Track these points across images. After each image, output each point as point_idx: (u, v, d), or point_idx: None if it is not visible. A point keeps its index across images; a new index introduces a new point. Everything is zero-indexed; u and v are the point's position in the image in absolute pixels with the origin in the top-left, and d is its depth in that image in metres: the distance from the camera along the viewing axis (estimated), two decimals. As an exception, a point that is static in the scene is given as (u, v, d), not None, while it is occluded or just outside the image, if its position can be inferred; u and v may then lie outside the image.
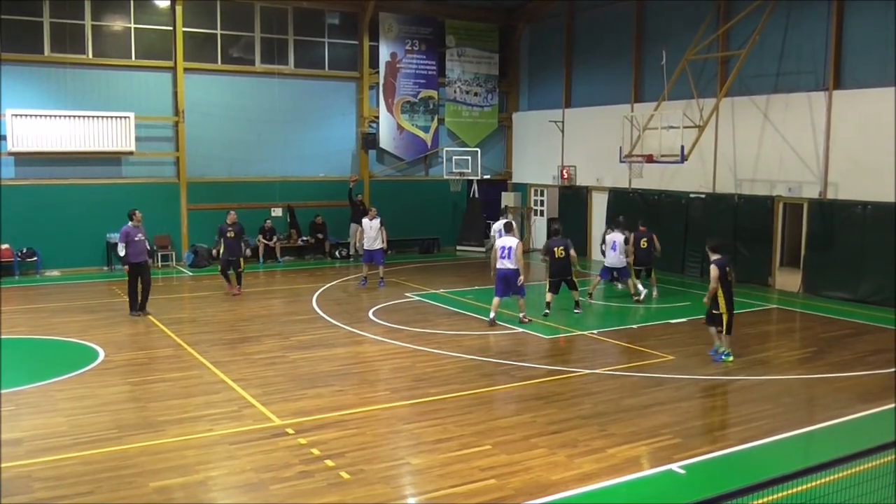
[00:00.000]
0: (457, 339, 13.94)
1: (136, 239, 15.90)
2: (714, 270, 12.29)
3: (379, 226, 19.46)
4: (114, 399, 10.61)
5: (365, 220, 19.68)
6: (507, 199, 27.60)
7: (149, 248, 16.85)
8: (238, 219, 18.64)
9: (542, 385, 11.28)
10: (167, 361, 12.56)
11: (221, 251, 18.38)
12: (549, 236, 17.84)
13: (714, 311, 12.45)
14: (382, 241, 19.56)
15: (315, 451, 8.59)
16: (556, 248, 15.97)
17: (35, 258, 21.14)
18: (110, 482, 7.83)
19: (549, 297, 16.02)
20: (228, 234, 18.20)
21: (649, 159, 19.39)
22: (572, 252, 16.07)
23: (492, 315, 15.06)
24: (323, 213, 24.87)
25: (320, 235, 24.75)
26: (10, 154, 20.87)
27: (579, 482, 7.84)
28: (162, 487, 7.69)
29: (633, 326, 15.24)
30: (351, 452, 8.59)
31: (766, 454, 8.74)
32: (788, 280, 19.33)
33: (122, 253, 16.17)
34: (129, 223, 16.03)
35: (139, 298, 15.98)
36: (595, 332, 14.84)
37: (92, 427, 9.44)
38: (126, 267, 16.16)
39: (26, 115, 20.78)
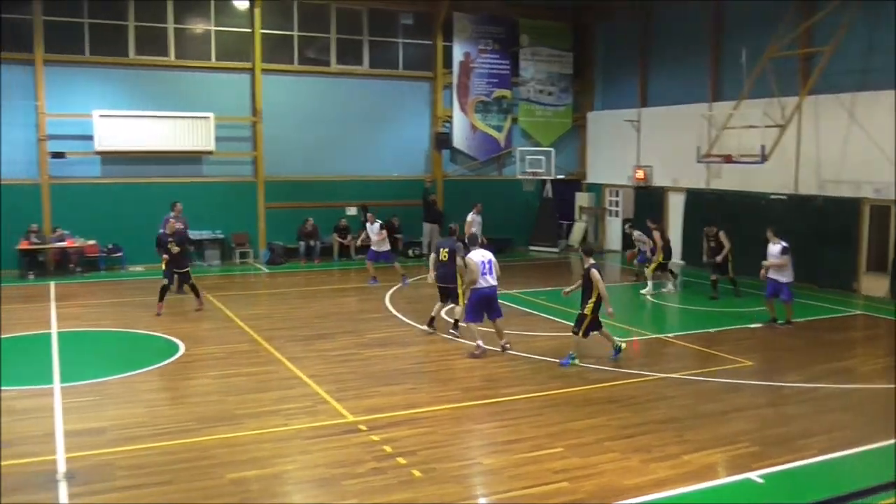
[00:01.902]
0: (528, 340, 13.86)
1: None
2: (596, 273, 12.13)
3: (379, 229, 19.60)
4: (193, 392, 10.88)
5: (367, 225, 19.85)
6: (582, 199, 27.34)
7: (190, 237, 18.39)
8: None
9: (616, 388, 11.13)
10: (244, 356, 12.82)
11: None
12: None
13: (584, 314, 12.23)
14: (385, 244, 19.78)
15: (387, 449, 8.65)
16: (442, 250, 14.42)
17: (120, 254, 21.85)
18: (188, 472, 8.03)
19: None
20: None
21: (728, 159, 18.96)
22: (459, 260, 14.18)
23: (481, 342, 12.80)
24: (396, 212, 25.06)
25: (396, 235, 24.89)
26: (97, 153, 21.61)
27: (653, 488, 7.71)
28: (238, 479, 7.85)
29: (710, 330, 14.90)
30: (423, 451, 8.62)
31: (849, 466, 8.43)
32: (875, 285, 18.62)
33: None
34: (171, 213, 17.51)
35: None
36: (670, 335, 14.58)
37: (172, 418, 9.70)
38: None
39: (112, 116, 21.48)
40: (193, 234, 22.29)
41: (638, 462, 8.35)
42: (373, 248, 19.75)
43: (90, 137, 21.34)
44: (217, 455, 8.49)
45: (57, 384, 11.06)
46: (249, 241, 23.56)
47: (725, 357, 12.76)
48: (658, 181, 24.64)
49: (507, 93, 26.78)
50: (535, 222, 27.22)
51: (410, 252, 24.69)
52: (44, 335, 14.13)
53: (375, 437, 8.99)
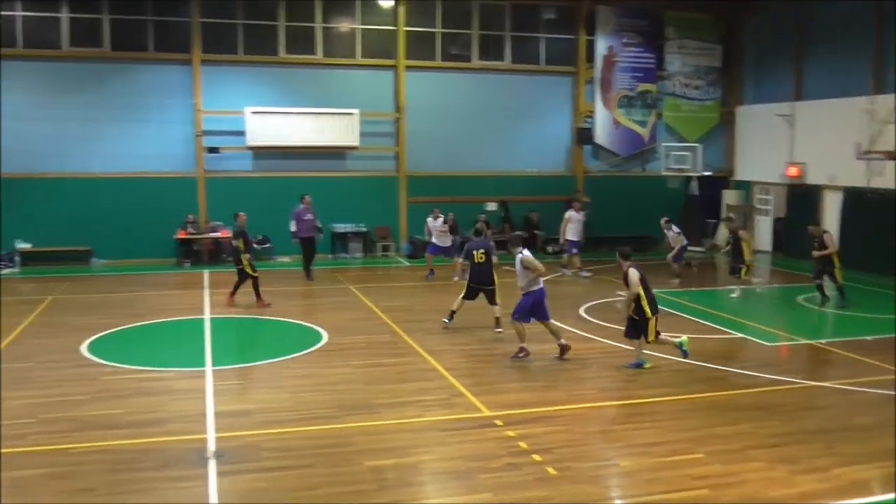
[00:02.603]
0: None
1: (305, 218, 19.30)
2: (634, 275, 11.45)
3: (442, 224, 20.22)
4: (335, 380, 11.19)
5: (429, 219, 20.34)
6: (730, 196, 26.32)
7: (318, 225, 19.72)
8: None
9: (763, 395, 10.63)
10: (384, 347, 13.09)
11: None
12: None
13: (636, 318, 11.59)
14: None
15: (523, 445, 8.60)
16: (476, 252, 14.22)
17: (268, 245, 22.80)
18: (329, 458, 8.26)
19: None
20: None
21: (891, 156, 17.76)
22: (494, 258, 14.45)
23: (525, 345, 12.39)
24: (535, 208, 24.92)
25: (536, 231, 24.77)
26: (249, 148, 22.61)
27: (799, 500, 7.32)
28: (376, 467, 8.01)
29: (867, 338, 14.00)
30: (559, 448, 8.52)
31: None
32: None
33: (293, 229, 19.53)
34: (301, 205, 19.42)
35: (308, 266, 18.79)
36: (822, 341, 13.80)
37: (314, 404, 10.02)
38: (297, 240, 19.57)
39: (263, 113, 22.42)
40: (337, 227, 23.09)
41: (784, 473, 7.94)
42: (435, 242, 20.22)
43: (242, 133, 22.34)
44: (357, 442, 8.70)
45: (209, 367, 11.65)
46: (391, 234, 24.06)
47: (885, 367, 11.94)
48: (813, 179, 23.37)
49: (651, 87, 26.10)
50: (680, 220, 26.38)
51: (549, 249, 24.45)
52: (197, 320, 14.92)
53: (511, 433, 8.96)
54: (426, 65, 24.16)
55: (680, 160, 25.08)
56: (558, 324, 12.97)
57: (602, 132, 25.77)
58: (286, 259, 22.61)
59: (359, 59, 23.61)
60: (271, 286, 18.66)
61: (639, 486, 7.69)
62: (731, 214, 23.24)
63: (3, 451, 8.32)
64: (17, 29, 21.30)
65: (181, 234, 21.93)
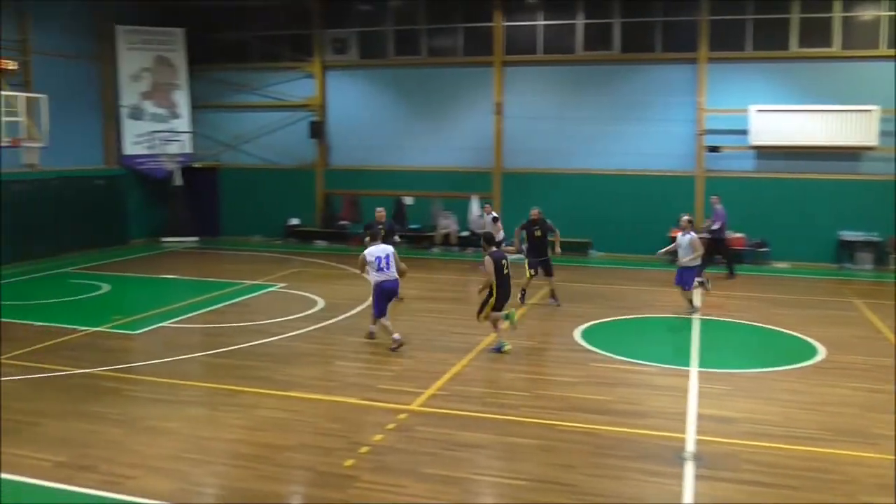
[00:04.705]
0: None
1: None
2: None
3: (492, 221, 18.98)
4: (829, 400, 10.25)
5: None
6: None
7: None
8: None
9: None
10: (890, 372, 11.60)
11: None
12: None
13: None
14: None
15: None
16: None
17: (766, 249, 21.80)
18: (816, 483, 7.59)
19: None
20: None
21: None
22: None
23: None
24: None
25: None
26: (751, 148, 21.81)
27: None
28: (872, 504, 7.15)
29: None
30: None
31: None
32: None
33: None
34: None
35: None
36: None
37: (804, 423, 9.29)
38: None
39: (769, 111, 21.42)
40: (845, 235, 21.14)
41: None
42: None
43: (745, 132, 21.62)
44: (848, 472, 7.85)
45: (694, 368, 11.52)
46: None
47: None
48: None
49: None
50: None
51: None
52: (685, 319, 14.84)
53: None
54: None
55: None
56: None
57: None
58: (784, 265, 21.39)
59: (883, 50, 21.20)
60: (766, 292, 17.83)
61: None
62: None
63: (501, 417, 9.25)
64: (538, 36, 23.52)
65: (674, 233, 22.01)
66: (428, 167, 24.68)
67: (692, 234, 14.96)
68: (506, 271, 12.21)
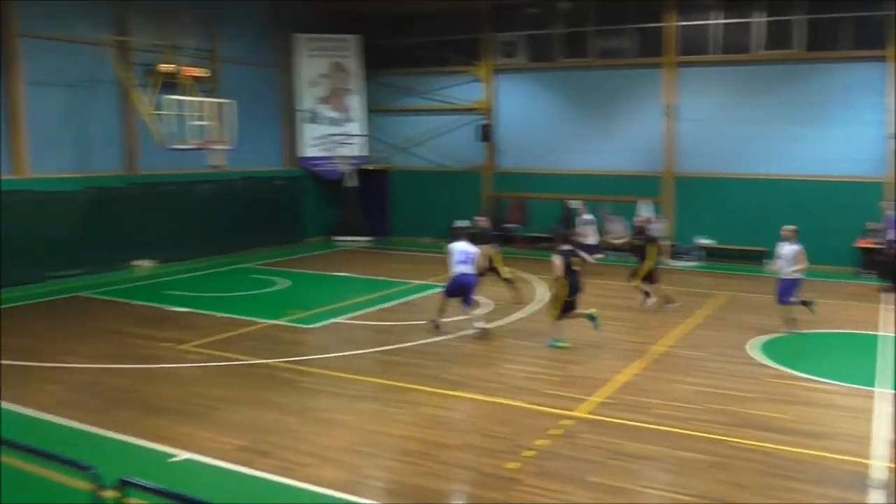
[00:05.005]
0: None
1: None
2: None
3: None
4: None
5: None
6: None
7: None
8: None
9: None
10: None
11: None
12: None
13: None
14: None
15: None
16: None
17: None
18: None
19: None
20: None
21: None
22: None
23: None
24: None
25: None
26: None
27: None
28: None
29: None
30: None
31: None
32: None
33: None
34: None
35: None
36: None
37: None
38: None
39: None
40: None
41: None
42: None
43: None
44: None
45: (880, 388, 10.76)
46: None
47: None
48: None
49: None
50: None
51: None
52: (870, 336, 13.91)
53: None
54: None
55: None
56: None
57: None
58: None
59: None
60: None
61: None
62: None
63: (670, 429, 9.02)
64: (710, 35, 22.72)
65: (862, 243, 20.71)
66: (595, 171, 24.38)
67: (797, 245, 13.92)
68: (575, 268, 12.62)
